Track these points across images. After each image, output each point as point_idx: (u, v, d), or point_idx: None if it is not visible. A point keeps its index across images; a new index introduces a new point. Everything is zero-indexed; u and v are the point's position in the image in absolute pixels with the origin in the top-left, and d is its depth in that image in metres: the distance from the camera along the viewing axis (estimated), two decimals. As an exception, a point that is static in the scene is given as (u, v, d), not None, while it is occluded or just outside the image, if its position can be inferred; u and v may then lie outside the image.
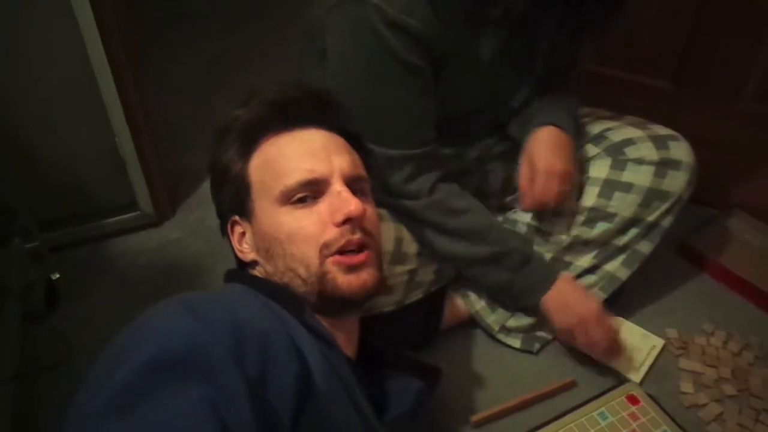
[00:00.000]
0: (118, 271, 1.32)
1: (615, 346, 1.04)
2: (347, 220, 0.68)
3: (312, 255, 0.68)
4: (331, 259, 0.68)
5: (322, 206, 0.69)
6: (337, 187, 0.70)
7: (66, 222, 1.33)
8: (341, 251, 0.68)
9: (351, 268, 0.68)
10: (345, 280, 0.68)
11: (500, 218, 1.14)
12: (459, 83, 0.94)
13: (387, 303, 0.99)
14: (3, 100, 1.15)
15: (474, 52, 0.92)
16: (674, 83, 1.35)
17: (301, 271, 0.68)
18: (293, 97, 0.74)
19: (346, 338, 0.74)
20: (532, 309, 1.05)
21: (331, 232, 0.68)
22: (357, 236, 0.69)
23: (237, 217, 0.74)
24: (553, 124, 1.01)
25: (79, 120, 1.23)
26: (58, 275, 1.23)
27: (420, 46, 0.84)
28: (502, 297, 1.07)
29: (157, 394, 0.45)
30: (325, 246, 0.68)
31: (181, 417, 0.44)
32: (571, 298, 1.01)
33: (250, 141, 0.73)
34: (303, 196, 0.69)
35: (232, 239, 0.76)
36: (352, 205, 0.68)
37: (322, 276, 0.68)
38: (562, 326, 1.02)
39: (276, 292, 0.68)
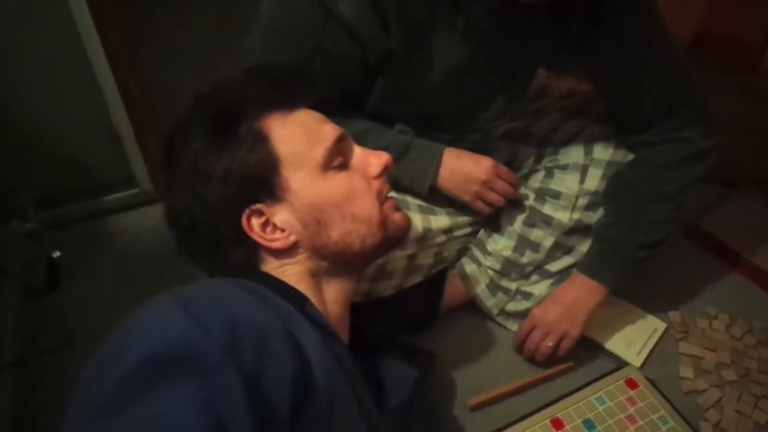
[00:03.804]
0: (119, 249, 1.32)
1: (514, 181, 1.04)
2: (384, 169, 0.73)
3: (373, 206, 0.70)
4: (384, 205, 0.73)
5: (356, 165, 0.72)
6: (358, 147, 0.74)
7: (65, 200, 1.33)
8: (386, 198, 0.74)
9: (397, 208, 0.75)
10: (400, 217, 0.75)
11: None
12: (410, 86, 0.90)
13: (385, 288, 0.98)
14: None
15: (428, 58, 0.88)
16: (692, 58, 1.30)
17: (363, 228, 0.70)
18: (286, 75, 0.73)
19: (340, 319, 0.73)
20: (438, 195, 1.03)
21: (376, 183, 0.72)
22: (388, 183, 0.74)
23: (257, 206, 0.68)
24: (589, 274, 1.03)
25: (72, 96, 1.21)
26: (59, 253, 1.23)
27: (341, 33, 0.80)
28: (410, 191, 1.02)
29: (150, 393, 0.44)
30: (379, 193, 0.72)
31: (174, 414, 0.43)
32: (464, 167, 0.98)
33: (258, 123, 0.68)
34: (340, 160, 0.70)
35: (252, 235, 0.68)
36: (385, 155, 0.73)
37: (384, 221, 0.72)
38: (468, 197, 1.00)
39: (276, 284, 0.67)
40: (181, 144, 0.69)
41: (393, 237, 0.74)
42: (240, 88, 0.71)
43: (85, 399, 0.46)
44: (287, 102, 0.70)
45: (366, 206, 0.70)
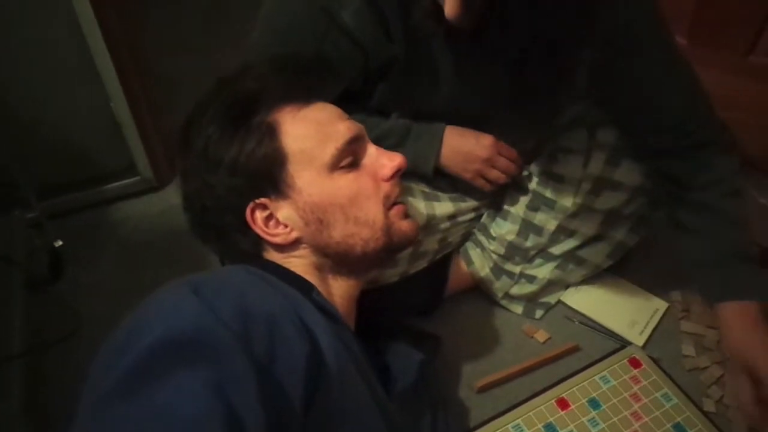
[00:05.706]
0: (122, 237, 1.32)
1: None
2: (396, 172, 0.72)
3: (377, 210, 0.70)
4: (391, 211, 0.72)
5: (367, 165, 0.71)
6: (372, 146, 0.73)
7: (66, 189, 1.33)
8: (395, 202, 0.73)
9: (406, 215, 0.75)
10: (407, 225, 0.74)
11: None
12: (411, 91, 0.91)
13: (391, 275, 0.99)
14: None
15: (429, 65, 0.87)
16: (689, 40, 1.30)
17: (365, 232, 0.70)
18: (304, 68, 0.72)
19: (347, 312, 0.74)
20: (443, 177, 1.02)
21: (385, 187, 0.72)
22: (399, 186, 0.74)
23: (262, 200, 0.68)
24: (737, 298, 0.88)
25: (72, 85, 1.20)
26: (61, 243, 1.23)
27: (344, 40, 0.80)
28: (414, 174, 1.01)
29: (162, 378, 0.44)
30: (386, 198, 0.71)
31: (186, 399, 0.43)
32: (465, 146, 0.98)
33: (270, 116, 0.68)
34: (350, 160, 0.69)
35: (254, 228, 0.69)
36: (398, 157, 0.72)
37: (389, 228, 0.71)
38: (469, 175, 1.00)
39: (284, 272, 0.68)
40: (196, 128, 0.69)
41: (396, 245, 0.73)
42: (257, 78, 0.70)
43: (98, 383, 0.46)
44: (301, 96, 0.70)
45: (371, 210, 0.70)
